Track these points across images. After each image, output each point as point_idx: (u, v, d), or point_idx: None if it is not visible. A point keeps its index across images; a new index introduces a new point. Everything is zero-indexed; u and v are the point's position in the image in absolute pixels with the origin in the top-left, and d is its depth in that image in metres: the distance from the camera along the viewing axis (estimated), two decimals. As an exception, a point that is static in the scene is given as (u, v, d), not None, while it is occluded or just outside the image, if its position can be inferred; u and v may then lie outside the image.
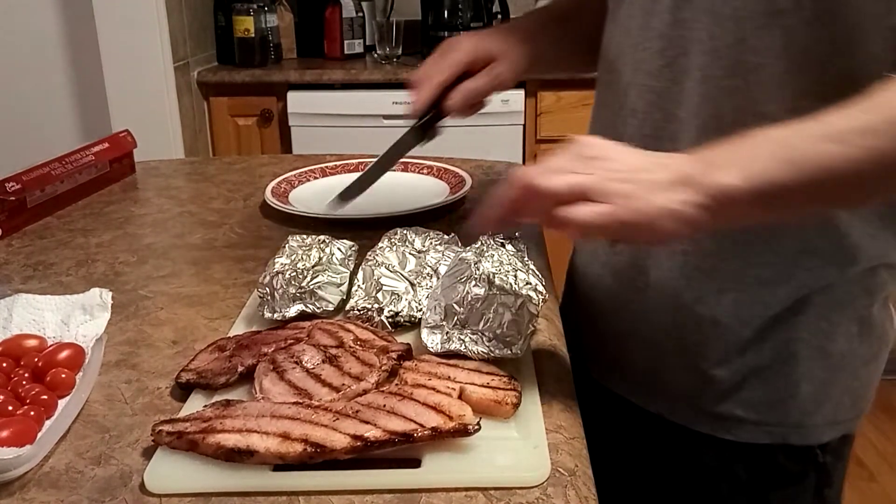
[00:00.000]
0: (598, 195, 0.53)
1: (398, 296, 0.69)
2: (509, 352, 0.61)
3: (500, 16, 2.38)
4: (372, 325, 0.67)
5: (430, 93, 0.81)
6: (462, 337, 0.61)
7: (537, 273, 0.67)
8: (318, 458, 0.49)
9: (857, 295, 0.68)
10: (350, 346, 0.62)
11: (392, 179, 1.12)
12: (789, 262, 0.66)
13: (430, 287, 0.70)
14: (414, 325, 0.68)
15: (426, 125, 0.84)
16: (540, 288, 0.66)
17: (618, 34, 0.73)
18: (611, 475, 0.64)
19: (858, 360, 0.71)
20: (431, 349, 0.62)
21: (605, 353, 0.80)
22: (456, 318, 0.62)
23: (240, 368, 0.60)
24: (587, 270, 0.81)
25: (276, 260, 0.72)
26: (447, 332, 0.62)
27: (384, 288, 0.69)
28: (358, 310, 0.68)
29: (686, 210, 0.52)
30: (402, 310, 0.68)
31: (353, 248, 0.78)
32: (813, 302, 0.67)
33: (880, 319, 0.71)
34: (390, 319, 0.68)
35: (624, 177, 0.53)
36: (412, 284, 0.70)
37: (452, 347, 0.61)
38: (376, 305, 0.68)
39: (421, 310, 0.68)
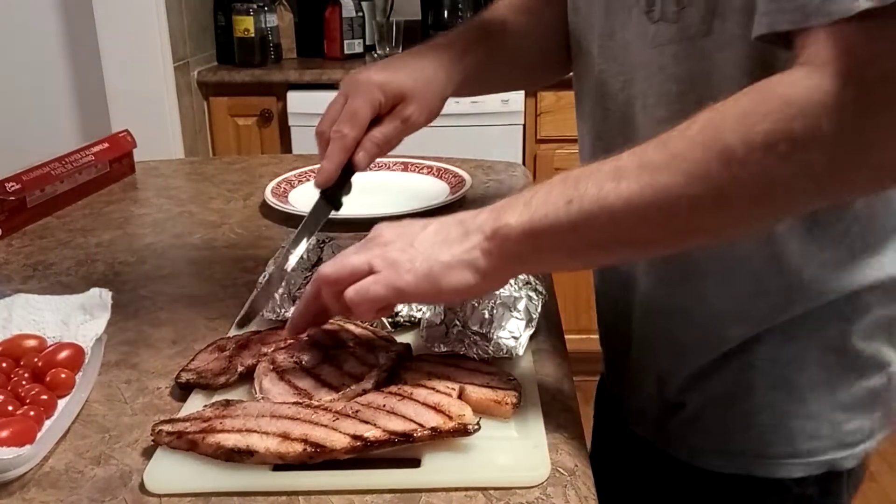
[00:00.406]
0: (377, 268, 0.54)
1: None
2: (509, 352, 0.61)
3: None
4: (372, 325, 0.67)
5: (340, 158, 0.73)
6: (462, 337, 0.61)
7: (537, 273, 0.67)
8: (318, 458, 0.49)
9: (828, 322, 0.63)
10: (350, 347, 0.62)
11: (392, 179, 1.13)
12: (745, 301, 0.64)
13: None
14: (414, 324, 0.68)
15: (338, 189, 0.75)
16: (540, 288, 0.66)
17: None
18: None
19: (843, 392, 0.65)
20: (431, 349, 0.62)
21: (607, 367, 0.81)
22: (455, 318, 0.62)
23: (239, 368, 0.60)
24: (597, 288, 0.81)
25: (276, 260, 0.72)
26: (447, 333, 0.62)
27: None
28: None
29: (468, 257, 0.52)
30: (401, 309, 0.68)
31: (345, 246, 0.78)
32: (774, 330, 0.64)
33: (872, 348, 0.65)
34: (390, 319, 0.68)
35: (401, 246, 0.54)
36: None
37: (450, 348, 0.61)
38: None
39: (421, 310, 0.68)
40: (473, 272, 0.53)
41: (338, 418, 0.52)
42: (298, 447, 0.50)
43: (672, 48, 0.60)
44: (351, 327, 0.65)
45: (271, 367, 0.59)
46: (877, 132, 0.45)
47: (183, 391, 0.60)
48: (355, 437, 0.50)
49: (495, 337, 0.61)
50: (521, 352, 0.61)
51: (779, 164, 0.46)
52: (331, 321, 0.67)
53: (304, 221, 0.73)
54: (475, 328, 0.61)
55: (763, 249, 0.62)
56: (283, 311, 0.69)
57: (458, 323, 0.62)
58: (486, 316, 0.61)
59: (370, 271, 0.54)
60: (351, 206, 0.89)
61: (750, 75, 0.55)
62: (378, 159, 1.21)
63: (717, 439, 0.68)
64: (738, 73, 0.57)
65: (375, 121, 0.74)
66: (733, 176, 0.47)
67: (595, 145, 0.73)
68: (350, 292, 0.54)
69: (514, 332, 0.61)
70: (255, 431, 0.51)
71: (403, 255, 0.54)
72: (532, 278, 0.66)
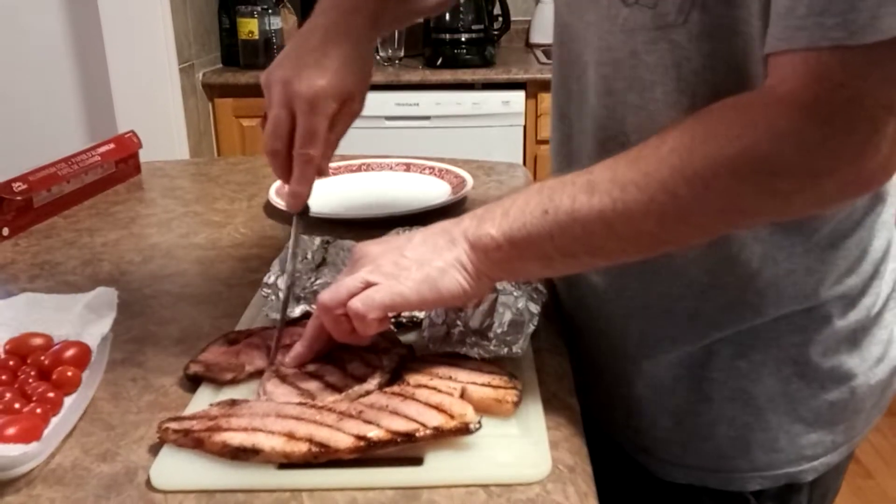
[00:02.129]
0: (374, 280, 0.55)
1: None
2: (510, 351, 0.61)
3: (500, 18, 2.39)
4: None
5: (312, 180, 0.70)
6: (463, 338, 0.62)
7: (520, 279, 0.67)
8: (323, 458, 0.50)
9: (784, 334, 0.63)
10: (353, 349, 0.62)
11: (394, 180, 1.13)
12: (696, 296, 0.63)
13: None
14: (416, 324, 0.68)
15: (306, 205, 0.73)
16: (541, 287, 0.67)
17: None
18: None
19: (802, 405, 0.64)
20: (432, 349, 0.62)
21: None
22: (457, 318, 0.62)
23: (248, 368, 0.61)
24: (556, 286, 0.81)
25: (280, 260, 0.72)
26: (448, 333, 0.62)
27: None
28: None
29: (457, 263, 0.54)
30: None
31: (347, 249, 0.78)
32: (728, 340, 0.63)
33: (832, 361, 0.63)
34: (393, 319, 0.68)
35: (393, 258, 0.56)
36: None
37: (450, 348, 0.62)
38: None
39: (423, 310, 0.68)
40: (465, 277, 0.55)
41: (342, 419, 0.52)
42: (303, 447, 0.50)
43: (645, 34, 0.58)
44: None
45: (275, 370, 0.60)
46: (840, 154, 0.47)
47: (191, 383, 0.61)
48: (359, 438, 0.50)
49: (496, 337, 0.61)
50: (521, 351, 0.62)
51: (743, 187, 0.49)
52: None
53: (291, 250, 0.70)
54: (476, 328, 0.61)
55: (721, 248, 0.61)
56: (288, 310, 0.69)
57: (459, 323, 0.62)
58: (487, 316, 0.62)
59: (368, 285, 0.55)
60: (353, 208, 0.89)
61: (714, 71, 0.56)
62: (380, 160, 1.21)
63: (677, 450, 0.67)
64: (705, 68, 0.57)
65: None
66: (698, 196, 0.49)
67: (558, 127, 0.73)
68: (355, 303, 0.54)
69: (514, 332, 0.62)
70: (260, 430, 0.51)
71: (397, 266, 0.55)
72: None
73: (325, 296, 0.57)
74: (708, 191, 0.49)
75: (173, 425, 0.53)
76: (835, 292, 0.62)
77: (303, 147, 0.68)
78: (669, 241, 0.54)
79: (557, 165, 0.75)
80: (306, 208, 0.73)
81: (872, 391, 0.66)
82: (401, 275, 0.55)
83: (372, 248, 0.58)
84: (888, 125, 0.46)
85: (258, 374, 0.61)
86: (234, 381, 0.60)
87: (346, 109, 0.70)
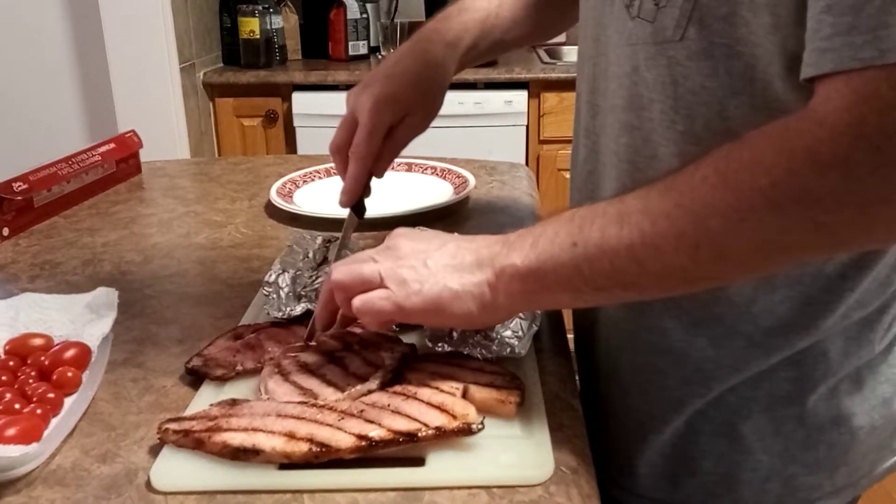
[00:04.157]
0: (387, 282, 0.55)
1: None
2: (512, 351, 0.61)
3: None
4: None
5: (363, 179, 0.76)
6: (465, 337, 0.62)
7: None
8: (324, 458, 0.50)
9: (777, 368, 0.60)
10: (355, 347, 0.62)
11: (396, 179, 1.13)
12: (688, 329, 0.61)
13: None
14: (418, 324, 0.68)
15: (361, 200, 0.80)
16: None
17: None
18: None
19: (795, 446, 0.61)
20: (434, 349, 0.62)
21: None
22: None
23: (238, 368, 0.61)
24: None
25: (281, 259, 0.72)
26: (451, 332, 0.62)
27: None
28: None
29: (476, 290, 0.53)
30: None
31: (358, 247, 0.78)
32: (716, 376, 0.61)
33: (830, 403, 0.60)
34: None
35: (415, 263, 0.55)
36: None
37: (455, 348, 0.61)
38: None
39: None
40: (478, 304, 0.54)
41: (343, 418, 0.52)
42: (304, 447, 0.50)
43: (645, 50, 0.57)
44: (357, 330, 0.65)
45: (276, 369, 0.60)
46: (891, 184, 0.42)
47: (191, 377, 0.61)
48: (360, 437, 0.50)
49: (498, 336, 0.61)
50: (523, 351, 0.61)
51: (782, 220, 0.44)
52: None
53: (341, 239, 0.77)
54: (477, 328, 0.61)
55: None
56: (288, 309, 0.69)
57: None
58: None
59: (380, 284, 0.55)
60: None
61: (712, 92, 0.53)
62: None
63: (665, 486, 0.65)
64: (703, 88, 0.54)
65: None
66: (732, 230, 0.46)
67: (584, 144, 0.70)
68: (357, 302, 0.55)
69: (517, 332, 0.61)
70: (261, 430, 0.51)
71: (414, 274, 0.54)
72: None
73: (340, 274, 0.57)
74: (743, 224, 0.45)
75: (173, 426, 0.53)
76: (838, 327, 0.59)
77: (356, 147, 0.75)
78: (706, 278, 0.50)
79: (580, 184, 0.73)
80: (361, 206, 0.79)
81: (879, 433, 0.63)
82: (413, 286, 0.54)
83: (404, 242, 0.57)
84: None
85: (255, 372, 0.60)
86: (223, 378, 0.60)
87: (407, 122, 0.76)
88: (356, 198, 0.78)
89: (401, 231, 0.59)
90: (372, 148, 0.75)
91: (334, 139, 0.77)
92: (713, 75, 0.53)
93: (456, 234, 0.59)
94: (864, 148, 0.41)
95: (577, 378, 0.64)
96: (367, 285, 0.55)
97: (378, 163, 0.77)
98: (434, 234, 0.59)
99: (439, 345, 0.62)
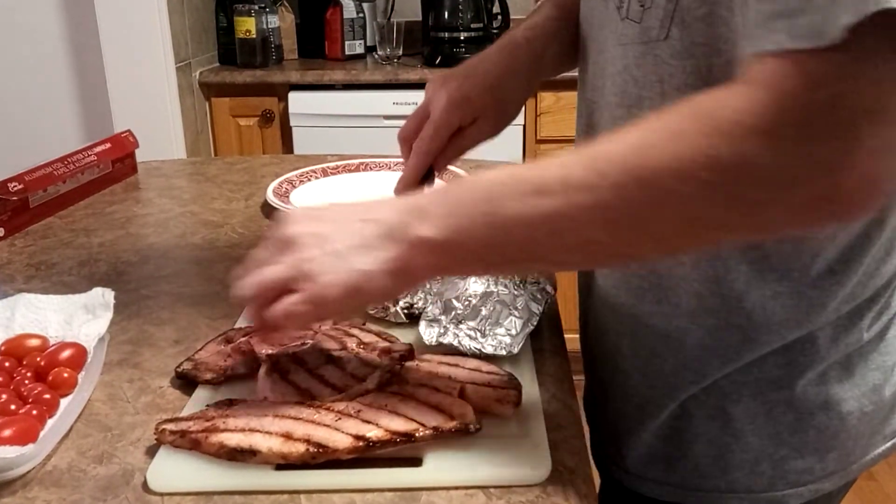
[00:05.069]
0: (295, 283, 0.51)
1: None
2: (503, 350, 0.61)
3: (499, 16, 2.38)
4: (386, 317, 0.68)
5: (421, 169, 0.76)
6: (457, 332, 0.62)
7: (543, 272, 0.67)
8: (321, 459, 0.50)
9: (767, 355, 0.60)
10: (352, 348, 0.62)
11: (393, 179, 1.13)
12: (684, 318, 0.61)
13: None
14: (416, 318, 0.68)
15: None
16: (548, 288, 0.66)
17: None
18: None
19: (786, 430, 0.61)
20: (426, 342, 0.62)
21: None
22: (454, 313, 0.62)
23: (228, 373, 0.61)
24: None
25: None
26: (444, 327, 0.62)
27: None
28: None
29: (387, 267, 0.50)
30: (417, 301, 0.68)
31: None
32: (711, 364, 0.61)
33: (820, 389, 0.61)
34: (405, 311, 0.68)
35: (316, 253, 0.52)
36: None
37: (446, 341, 0.61)
38: None
39: (425, 302, 0.68)
40: (393, 279, 0.51)
41: (340, 418, 0.52)
42: (301, 447, 0.50)
43: (635, 48, 0.58)
44: (355, 332, 0.65)
45: (274, 368, 0.60)
46: (816, 162, 0.41)
47: (181, 381, 0.61)
48: (358, 438, 0.50)
49: (491, 333, 0.61)
50: (516, 350, 0.61)
51: (704, 192, 0.43)
52: (335, 328, 0.67)
53: None
54: (472, 324, 0.61)
55: (704, 269, 0.59)
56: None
57: (455, 318, 0.62)
58: (484, 313, 0.61)
59: (287, 285, 0.52)
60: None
61: (696, 89, 0.51)
62: (378, 160, 1.21)
63: (660, 466, 0.66)
64: (687, 85, 0.54)
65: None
66: (653, 201, 0.44)
67: (583, 141, 0.71)
68: (273, 314, 0.52)
69: (510, 330, 0.61)
70: (257, 431, 0.51)
71: (319, 266, 0.51)
72: (542, 278, 0.66)
73: (245, 286, 0.53)
74: (663, 196, 0.44)
75: (170, 426, 0.53)
76: (829, 318, 0.59)
77: (420, 141, 0.75)
78: (623, 254, 0.50)
79: None
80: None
81: (869, 418, 0.63)
82: (323, 280, 0.51)
83: (299, 228, 0.53)
84: (868, 134, 0.41)
85: (246, 376, 0.60)
86: (211, 383, 0.60)
87: (478, 125, 0.76)
88: (410, 189, 0.77)
89: (292, 217, 0.54)
90: (435, 145, 0.75)
91: (403, 128, 0.78)
92: (696, 73, 0.54)
93: (357, 200, 0.55)
94: (792, 124, 0.41)
95: (572, 378, 0.64)
96: (275, 291, 0.52)
97: (440, 159, 0.77)
98: (329, 210, 0.55)
99: (432, 338, 0.62)
